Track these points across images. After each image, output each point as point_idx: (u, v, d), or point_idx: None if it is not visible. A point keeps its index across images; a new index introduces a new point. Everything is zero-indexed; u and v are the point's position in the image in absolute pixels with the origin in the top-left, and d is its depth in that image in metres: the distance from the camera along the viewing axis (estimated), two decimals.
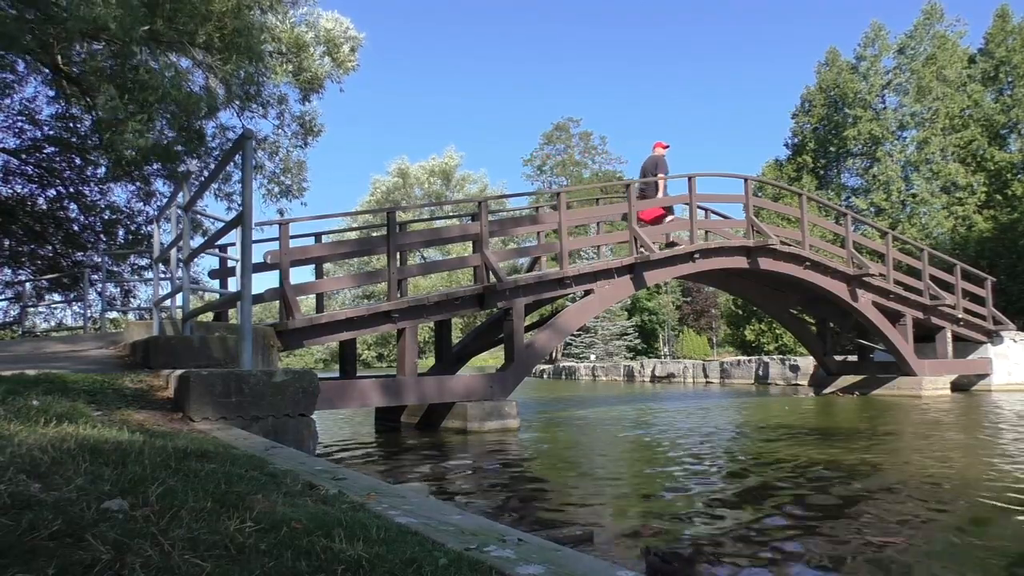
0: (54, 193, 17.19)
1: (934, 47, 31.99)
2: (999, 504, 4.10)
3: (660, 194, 11.54)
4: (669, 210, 11.57)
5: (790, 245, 12.35)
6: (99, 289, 15.55)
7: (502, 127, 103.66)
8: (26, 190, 17.04)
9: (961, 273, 14.86)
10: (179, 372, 4.13)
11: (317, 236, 9.96)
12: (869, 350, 14.50)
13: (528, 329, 10.06)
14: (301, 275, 27.56)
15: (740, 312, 34.80)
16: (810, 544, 3.30)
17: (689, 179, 11.24)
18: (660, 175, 11.59)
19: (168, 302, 7.22)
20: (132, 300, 17.95)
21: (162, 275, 8.99)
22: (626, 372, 27.54)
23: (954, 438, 7.35)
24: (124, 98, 11.31)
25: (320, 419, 6.23)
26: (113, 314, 17.01)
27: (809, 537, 3.43)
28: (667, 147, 12.16)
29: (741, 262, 11.66)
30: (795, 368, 18.71)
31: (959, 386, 14.43)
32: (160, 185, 16.43)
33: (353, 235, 12.71)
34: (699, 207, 11.87)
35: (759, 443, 7.13)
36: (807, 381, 17.16)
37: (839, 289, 12.74)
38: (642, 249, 10.12)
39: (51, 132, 15.97)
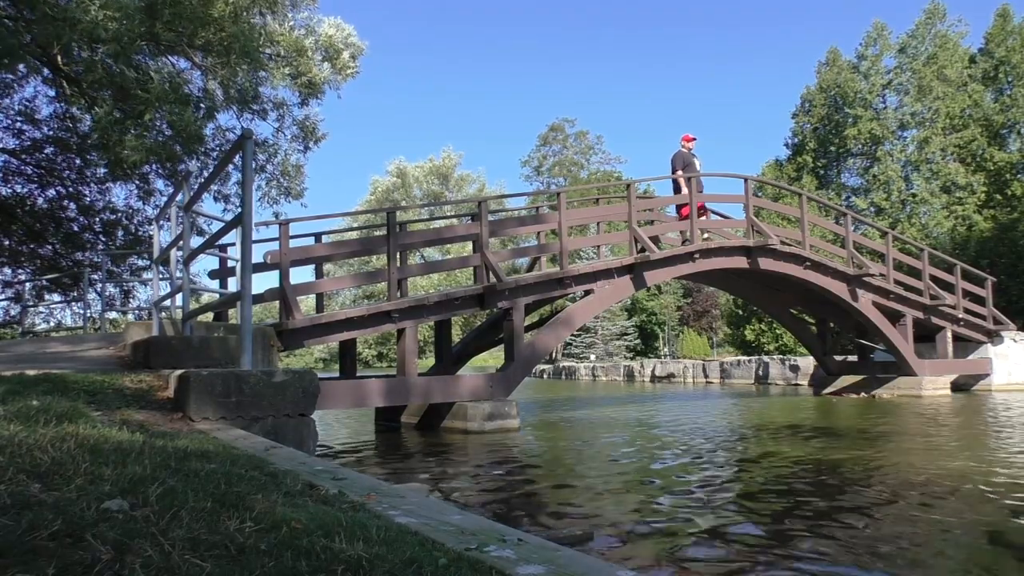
0: (54, 193, 17.20)
1: (935, 47, 32.01)
2: (1002, 505, 4.10)
3: (683, 190, 11.57)
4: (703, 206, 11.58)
5: (790, 245, 12.34)
6: (99, 289, 15.54)
7: (500, 128, 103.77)
8: (26, 190, 17.05)
9: (961, 273, 14.86)
10: (179, 372, 4.13)
11: (317, 236, 9.95)
12: (869, 350, 14.49)
13: (528, 329, 10.05)
14: (301, 275, 27.54)
15: (740, 312, 34.81)
16: (814, 546, 3.30)
17: (688, 179, 11.25)
18: (678, 172, 11.62)
19: (168, 302, 7.22)
20: (132, 300, 17.95)
21: (162, 275, 8.99)
22: (626, 372, 27.54)
23: (954, 438, 7.34)
24: (123, 104, 11.32)
25: (320, 419, 6.23)
26: (113, 314, 17.01)
27: (812, 539, 3.43)
28: (692, 140, 12.14)
29: (741, 262, 11.66)
30: (795, 368, 18.71)
31: (959, 386, 14.42)
32: (160, 185, 16.44)
33: (353, 235, 12.71)
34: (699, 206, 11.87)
35: (761, 442, 7.13)
36: (807, 381, 17.15)
37: (839, 289, 12.74)
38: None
39: (51, 132, 15.97)
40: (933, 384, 13.42)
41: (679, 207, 11.94)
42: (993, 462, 5.64)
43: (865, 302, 13.01)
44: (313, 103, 15.59)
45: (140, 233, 17.21)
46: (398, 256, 9.02)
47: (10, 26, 10.61)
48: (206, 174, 13.70)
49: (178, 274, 5.95)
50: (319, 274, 10.24)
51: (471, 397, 8.56)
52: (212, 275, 9.99)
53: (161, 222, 8.04)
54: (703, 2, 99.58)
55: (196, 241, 6.20)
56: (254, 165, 9.04)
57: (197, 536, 1.38)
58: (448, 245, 26.30)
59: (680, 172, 11.68)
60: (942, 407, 10.98)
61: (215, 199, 16.41)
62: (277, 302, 8.10)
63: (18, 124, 15.85)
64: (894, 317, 13.56)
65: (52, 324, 17.88)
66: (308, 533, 1.48)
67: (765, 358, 21.01)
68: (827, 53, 35.17)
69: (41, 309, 18.00)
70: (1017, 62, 30.02)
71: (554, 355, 39.27)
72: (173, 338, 5.46)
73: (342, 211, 31.05)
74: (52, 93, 15.04)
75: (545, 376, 32.77)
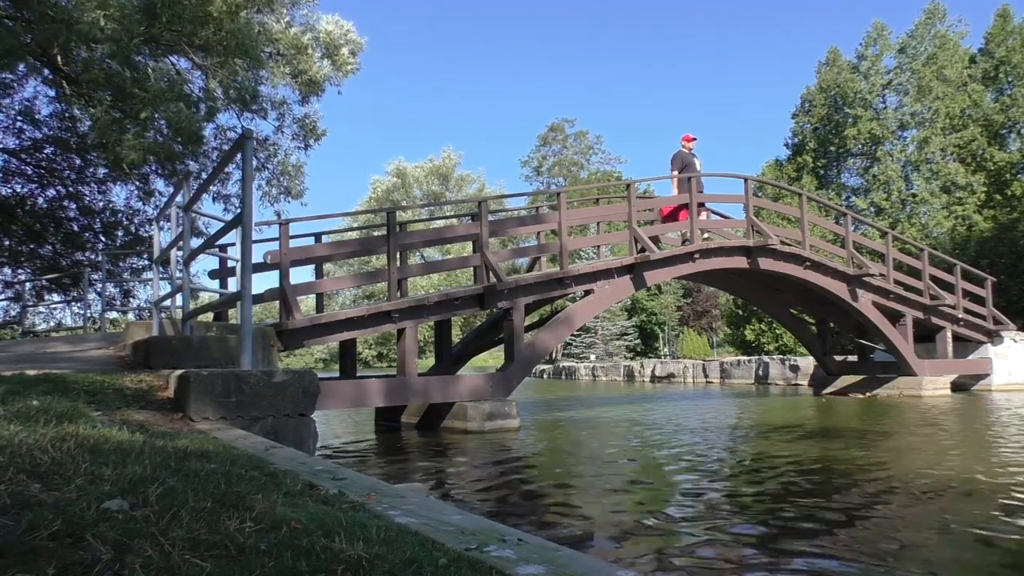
0: (54, 193, 17.20)
1: (935, 47, 31.99)
2: (1001, 505, 4.09)
3: (673, 191, 11.55)
4: (686, 206, 11.39)
5: (790, 245, 12.34)
6: (99, 289, 15.54)
7: (500, 128, 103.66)
8: (26, 190, 17.05)
9: (961, 273, 14.86)
10: (179, 372, 4.13)
11: (317, 236, 9.96)
12: (869, 350, 14.49)
13: (528, 329, 10.05)
14: (301, 275, 27.50)
15: (740, 312, 34.79)
16: (813, 545, 3.30)
17: (688, 179, 11.25)
18: (674, 172, 11.62)
19: (168, 302, 7.22)
20: (132, 300, 17.96)
21: (162, 275, 8.99)
22: (626, 372, 27.54)
23: (954, 438, 7.35)
24: (122, 103, 11.33)
25: (320, 419, 6.23)
26: (113, 314, 17.01)
27: (810, 538, 3.43)
28: (692, 140, 12.11)
29: (741, 262, 11.66)
30: (795, 368, 18.71)
31: (959, 386, 14.42)
32: (160, 185, 16.44)
33: (353, 235, 12.71)
34: (699, 207, 11.86)
35: (760, 442, 7.13)
36: (807, 381, 17.15)
37: (839, 289, 12.74)
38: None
39: (51, 132, 15.97)
40: (933, 384, 13.41)
41: (676, 209, 11.89)
42: (992, 462, 5.64)
43: (865, 302, 13.01)
44: (313, 100, 15.61)
45: (140, 233, 17.22)
46: (398, 256, 9.02)
47: (10, 26, 10.61)
48: (204, 176, 13.70)
49: (178, 274, 5.95)
50: (319, 274, 10.24)
51: (471, 397, 8.56)
52: (212, 275, 9.99)
53: (161, 222, 8.04)
54: (703, 2, 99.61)
55: (196, 241, 6.20)
56: (254, 164, 9.05)
57: (197, 536, 1.38)
58: (448, 245, 26.29)
59: (676, 172, 11.67)
60: (942, 407, 10.98)
61: (214, 200, 16.42)
62: (277, 302, 8.10)
63: (18, 124, 15.86)
64: (894, 317, 13.55)
65: (52, 324, 17.87)
66: (308, 533, 1.48)
67: (765, 358, 21.01)
68: (827, 53, 35.16)
69: (41, 309, 18.01)
70: (1018, 62, 30.00)
71: (554, 355, 39.26)
72: (173, 338, 5.46)
73: (342, 211, 31.07)
74: (52, 93, 15.05)
75: (545, 376, 32.76)
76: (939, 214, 30.80)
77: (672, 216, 11.74)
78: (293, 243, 8.35)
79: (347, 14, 15.60)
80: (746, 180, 11.91)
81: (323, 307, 10.29)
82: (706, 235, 11.76)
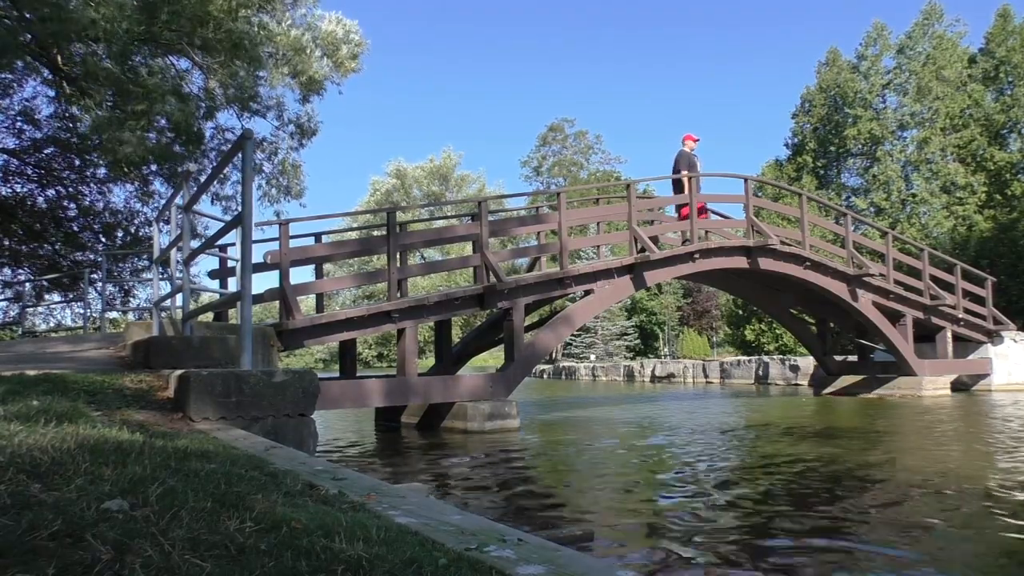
0: (54, 193, 17.19)
1: (933, 47, 31.99)
2: (1002, 505, 4.09)
3: (687, 191, 11.55)
4: (703, 205, 11.42)
5: (790, 245, 12.34)
6: (99, 289, 15.53)
7: (500, 128, 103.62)
8: (26, 190, 17.04)
9: (961, 273, 14.86)
10: (179, 372, 4.13)
11: (317, 236, 9.96)
12: (869, 350, 14.49)
13: (528, 329, 10.05)
14: (301, 275, 27.43)
15: (740, 312, 34.78)
16: (813, 551, 3.30)
17: (688, 180, 11.26)
18: (684, 171, 11.61)
19: (168, 302, 7.22)
20: (132, 300, 17.95)
21: (162, 275, 8.98)
22: (626, 372, 27.53)
23: (954, 438, 7.34)
24: (121, 100, 11.34)
25: (320, 419, 6.23)
26: (113, 314, 17.01)
27: (810, 538, 3.42)
28: (696, 140, 12.10)
29: (741, 262, 11.66)
30: (795, 368, 18.71)
31: (959, 386, 14.42)
32: (159, 185, 16.44)
33: (353, 235, 12.71)
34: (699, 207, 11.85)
35: (760, 443, 7.13)
36: (807, 381, 17.15)
37: (839, 289, 12.74)
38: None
39: (51, 132, 15.97)
40: (933, 384, 13.41)
41: (679, 208, 11.92)
42: (992, 462, 5.64)
43: (865, 302, 13.01)
44: (314, 99, 15.62)
45: (140, 234, 17.22)
46: (398, 256, 9.02)
47: (9, 25, 10.61)
48: (204, 176, 13.69)
49: (178, 274, 5.94)
50: (319, 274, 10.23)
51: (471, 397, 8.55)
52: (212, 275, 9.98)
53: (161, 223, 8.04)
54: (703, 2, 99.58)
55: (196, 242, 6.20)
56: (253, 164, 9.04)
57: (197, 536, 1.38)
58: (448, 245, 26.28)
59: (686, 172, 11.66)
60: (942, 407, 10.97)
61: (214, 201, 16.41)
62: (277, 302, 8.10)
63: (18, 124, 15.84)
64: (894, 317, 13.55)
65: (52, 324, 17.86)
66: (308, 533, 1.48)
67: (765, 358, 21.01)
68: (827, 53, 35.15)
69: (41, 309, 17.98)
70: (1018, 62, 29.99)
71: (554, 355, 39.23)
72: (173, 338, 5.45)
73: (342, 211, 31.08)
74: (52, 93, 15.05)
75: (545, 376, 32.75)
76: (939, 214, 30.80)
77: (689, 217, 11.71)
78: (293, 243, 8.34)
79: (347, 14, 15.57)
80: (746, 180, 11.91)
81: (323, 307, 10.29)
82: (706, 235, 11.76)
